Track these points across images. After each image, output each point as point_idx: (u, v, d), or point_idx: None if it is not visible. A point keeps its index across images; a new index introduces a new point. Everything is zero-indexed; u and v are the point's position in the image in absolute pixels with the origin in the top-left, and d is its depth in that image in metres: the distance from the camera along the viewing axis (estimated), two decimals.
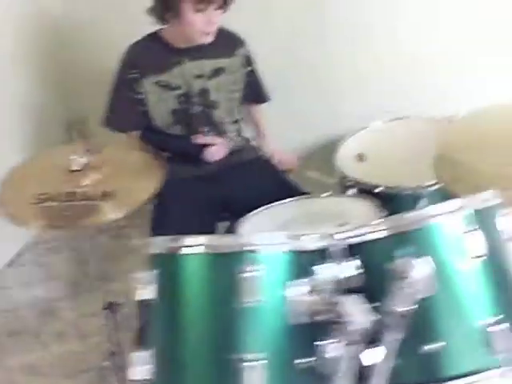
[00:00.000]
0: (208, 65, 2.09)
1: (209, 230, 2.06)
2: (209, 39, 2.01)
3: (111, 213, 1.53)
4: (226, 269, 1.25)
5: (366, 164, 2.16)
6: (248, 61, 2.21)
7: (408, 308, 1.19)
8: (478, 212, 1.30)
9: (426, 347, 1.26)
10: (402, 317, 1.19)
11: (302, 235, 1.31)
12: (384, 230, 1.30)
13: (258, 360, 1.21)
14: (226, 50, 2.12)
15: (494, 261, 1.30)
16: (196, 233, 2.01)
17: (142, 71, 2.03)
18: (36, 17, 2.75)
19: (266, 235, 1.35)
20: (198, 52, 2.06)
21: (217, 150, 2.12)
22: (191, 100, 2.09)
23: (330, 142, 2.54)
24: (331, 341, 1.21)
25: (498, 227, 1.33)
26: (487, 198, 1.33)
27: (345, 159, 2.19)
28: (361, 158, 2.19)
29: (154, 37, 2.07)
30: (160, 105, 2.08)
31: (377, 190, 1.95)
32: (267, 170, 2.26)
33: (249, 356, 1.21)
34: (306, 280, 1.25)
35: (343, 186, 2.08)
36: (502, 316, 1.27)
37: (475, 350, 1.27)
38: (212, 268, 1.28)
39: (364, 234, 1.31)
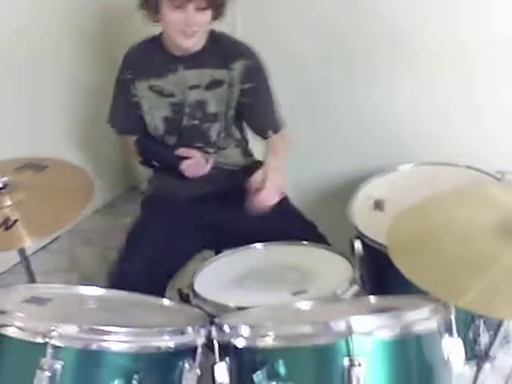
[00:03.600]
0: (205, 75, 1.90)
1: (185, 259, 1.87)
2: (191, 43, 1.83)
3: None
4: None
5: (383, 214, 1.82)
6: (247, 77, 1.92)
7: None
8: None
9: None
10: None
11: None
12: None
13: None
14: (222, 61, 1.90)
15: None
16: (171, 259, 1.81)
17: (136, 73, 1.94)
18: None
19: None
20: (194, 61, 1.89)
21: (194, 164, 1.90)
22: (184, 110, 1.93)
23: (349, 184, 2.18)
24: None
25: None
26: None
27: (361, 206, 1.88)
28: (378, 205, 1.87)
29: (153, 40, 1.95)
30: (153, 111, 1.96)
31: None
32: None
33: None
34: None
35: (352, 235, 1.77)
36: None
37: None
38: None
39: None
